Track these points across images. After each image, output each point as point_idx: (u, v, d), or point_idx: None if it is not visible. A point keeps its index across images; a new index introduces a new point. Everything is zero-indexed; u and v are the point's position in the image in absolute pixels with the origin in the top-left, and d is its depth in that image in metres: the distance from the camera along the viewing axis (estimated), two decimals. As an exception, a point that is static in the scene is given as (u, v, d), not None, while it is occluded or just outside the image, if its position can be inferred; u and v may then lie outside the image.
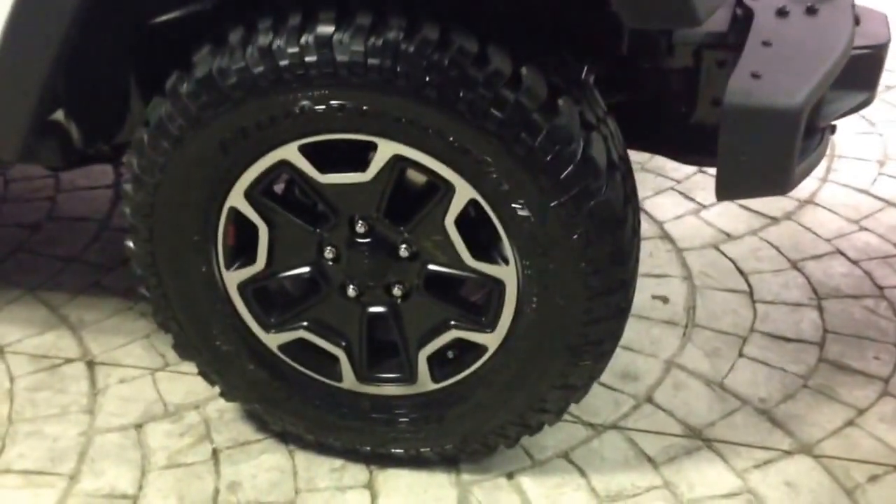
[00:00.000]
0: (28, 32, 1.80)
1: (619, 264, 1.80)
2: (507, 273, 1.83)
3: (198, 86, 1.76)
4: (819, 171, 3.13)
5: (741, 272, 2.73)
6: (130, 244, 1.98)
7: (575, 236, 1.73)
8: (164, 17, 2.00)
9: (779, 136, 1.66)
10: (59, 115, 2.05)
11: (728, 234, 2.89)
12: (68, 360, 2.46)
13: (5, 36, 1.82)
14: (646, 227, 2.88)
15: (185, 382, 2.35)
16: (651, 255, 2.78)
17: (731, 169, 1.71)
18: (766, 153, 1.68)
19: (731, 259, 2.79)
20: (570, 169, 1.69)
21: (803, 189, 3.02)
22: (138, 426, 2.25)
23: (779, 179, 1.73)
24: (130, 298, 2.62)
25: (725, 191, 1.75)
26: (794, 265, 2.76)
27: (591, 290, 1.79)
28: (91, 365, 2.44)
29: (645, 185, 3.08)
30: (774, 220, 2.95)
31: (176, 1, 1.98)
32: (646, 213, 2.97)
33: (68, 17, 1.76)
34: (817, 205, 3.03)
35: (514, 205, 1.73)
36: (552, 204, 1.71)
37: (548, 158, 1.68)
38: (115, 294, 2.68)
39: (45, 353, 2.48)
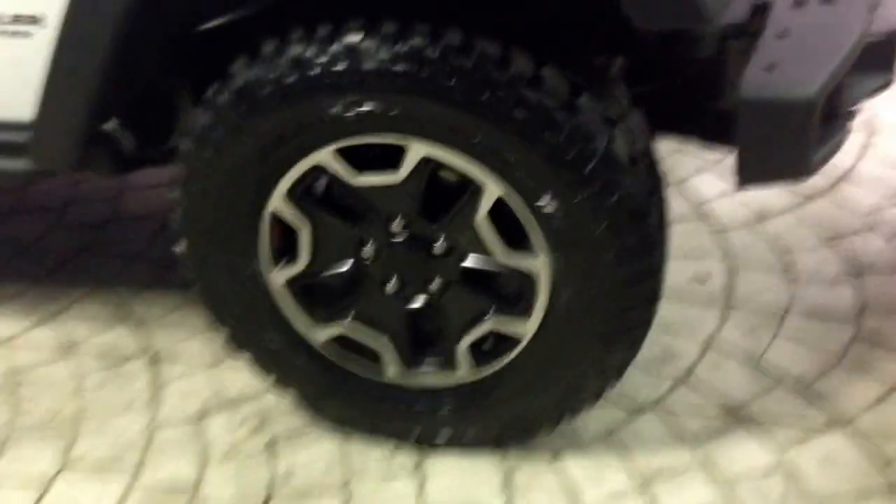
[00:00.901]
0: (77, 45, 1.91)
1: (646, 254, 1.86)
2: (539, 266, 1.90)
3: (235, 96, 1.85)
4: (856, 146, 3.16)
5: (778, 250, 2.76)
6: (181, 247, 2.08)
7: (600, 229, 1.80)
8: (210, 25, 2.09)
9: (794, 127, 1.70)
10: (108, 124, 2.15)
11: (765, 213, 2.91)
12: (133, 356, 2.57)
13: (55, 50, 1.92)
14: (684, 208, 2.93)
15: (243, 375, 2.44)
16: (689, 237, 2.82)
17: (749, 158, 1.75)
18: (782, 143, 1.72)
19: (768, 238, 2.82)
20: (592, 165, 1.75)
21: (840, 165, 3.04)
22: (199, 418, 2.36)
23: (796, 167, 1.77)
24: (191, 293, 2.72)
25: (744, 179, 1.80)
26: (831, 242, 2.78)
27: (620, 280, 1.86)
28: (154, 360, 2.55)
29: (683, 166, 3.12)
30: (811, 198, 2.96)
31: (219, 8, 2.07)
32: (684, 194, 3.01)
33: (115, 27, 1.86)
34: (854, 181, 3.04)
35: (539, 201, 1.80)
36: (577, 199, 1.77)
37: (570, 156, 1.74)
38: (177, 289, 2.77)
39: (112, 349, 2.60)
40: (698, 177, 3.10)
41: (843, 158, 2.93)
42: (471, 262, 1.96)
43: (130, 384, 2.48)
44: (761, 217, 2.91)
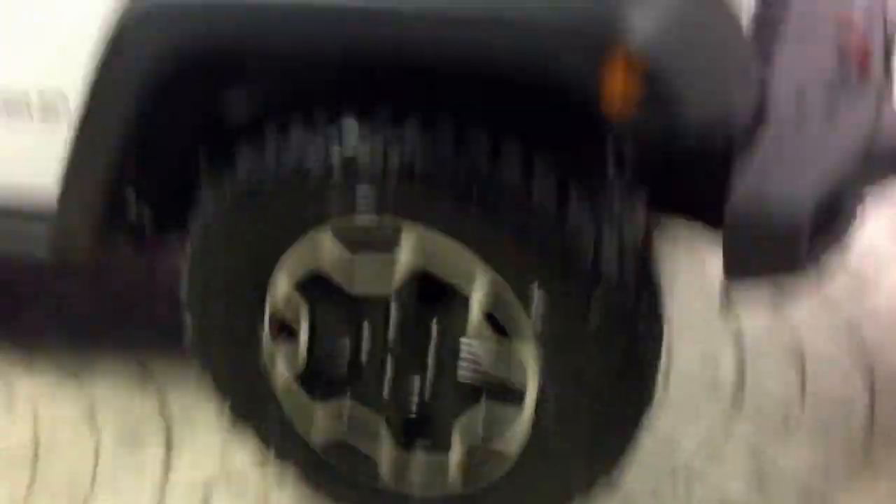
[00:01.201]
0: (93, 140, 1.97)
1: (636, 352, 1.86)
2: (526, 363, 1.89)
3: (237, 183, 1.90)
4: (885, 223, 3.07)
5: (794, 333, 2.71)
6: (186, 320, 2.13)
7: (587, 327, 1.81)
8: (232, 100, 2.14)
9: (782, 247, 1.71)
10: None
11: (784, 292, 2.83)
12: (150, 417, 2.62)
13: (73, 143, 1.98)
14: (700, 287, 2.88)
15: (251, 443, 2.47)
16: (700, 317, 2.77)
17: (739, 268, 1.75)
18: (772, 260, 1.72)
19: (785, 319, 2.76)
20: (580, 264, 1.77)
21: (868, 243, 2.96)
22: (206, 484, 2.40)
23: (790, 270, 1.76)
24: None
25: (733, 277, 1.79)
26: (851, 323, 2.72)
27: (609, 377, 1.86)
28: (170, 423, 2.60)
29: (700, 242, 3.06)
30: (834, 273, 2.87)
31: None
32: (697, 271, 2.94)
33: (130, 120, 1.92)
34: (881, 259, 2.96)
35: (527, 297, 1.81)
36: (563, 298, 1.78)
37: (558, 255, 1.76)
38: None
39: (130, 410, 2.64)
40: (713, 253, 3.02)
41: (870, 235, 2.87)
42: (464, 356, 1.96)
43: (146, 446, 2.52)
44: (781, 296, 2.76)
